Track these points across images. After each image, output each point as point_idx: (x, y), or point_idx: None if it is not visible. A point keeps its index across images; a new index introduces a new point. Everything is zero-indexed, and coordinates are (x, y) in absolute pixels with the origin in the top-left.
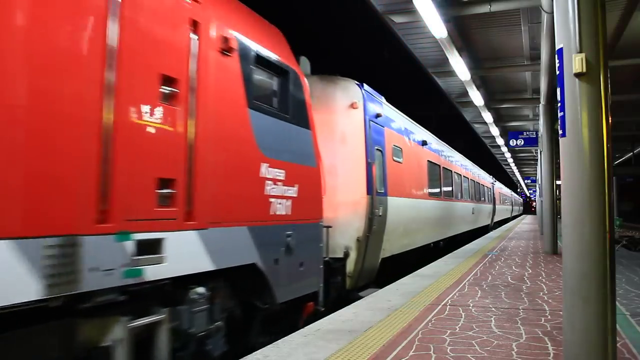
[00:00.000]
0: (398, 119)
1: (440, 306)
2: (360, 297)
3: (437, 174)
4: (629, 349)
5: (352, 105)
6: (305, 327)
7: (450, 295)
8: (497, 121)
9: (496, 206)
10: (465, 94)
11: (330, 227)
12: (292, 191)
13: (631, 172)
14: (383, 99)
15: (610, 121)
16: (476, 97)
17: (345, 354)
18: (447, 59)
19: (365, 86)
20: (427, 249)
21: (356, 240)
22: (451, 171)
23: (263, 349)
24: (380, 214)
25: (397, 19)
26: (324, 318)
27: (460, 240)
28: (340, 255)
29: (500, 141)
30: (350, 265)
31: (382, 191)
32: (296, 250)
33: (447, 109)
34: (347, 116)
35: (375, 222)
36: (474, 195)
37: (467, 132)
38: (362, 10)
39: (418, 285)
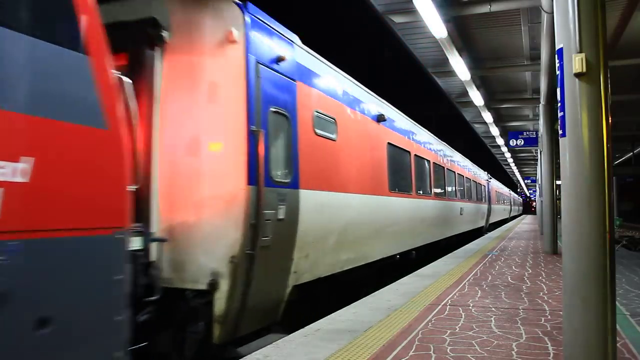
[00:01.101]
0: (328, 75)
1: (440, 306)
2: (241, 356)
3: (406, 163)
4: (629, 349)
5: (228, 38)
6: (306, 327)
7: (450, 295)
8: (497, 121)
9: (492, 206)
10: (465, 94)
11: (165, 240)
12: (4, 171)
13: (631, 172)
14: (296, 38)
15: (610, 121)
16: (476, 97)
17: (345, 354)
18: (447, 59)
19: (253, 7)
20: (417, 256)
21: (229, 262)
22: (429, 161)
23: (263, 349)
24: (282, 216)
25: (397, 19)
26: (324, 318)
27: (448, 245)
28: (203, 286)
29: (500, 141)
30: (220, 304)
31: (288, 181)
32: (23, 297)
33: (447, 109)
34: (217, 55)
35: (268, 230)
36: (463, 193)
37: (467, 132)
38: (362, 10)
39: (418, 285)
